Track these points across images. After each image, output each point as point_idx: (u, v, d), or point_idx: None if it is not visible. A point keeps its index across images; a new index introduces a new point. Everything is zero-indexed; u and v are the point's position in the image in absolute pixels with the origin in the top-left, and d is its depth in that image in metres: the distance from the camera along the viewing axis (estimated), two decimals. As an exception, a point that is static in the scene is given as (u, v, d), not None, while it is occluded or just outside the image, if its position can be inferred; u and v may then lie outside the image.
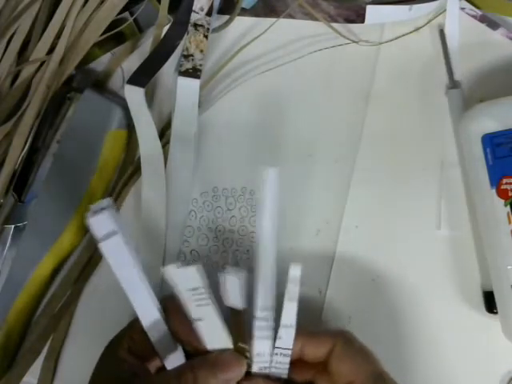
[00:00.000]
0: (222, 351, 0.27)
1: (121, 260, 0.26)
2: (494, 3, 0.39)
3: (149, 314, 0.27)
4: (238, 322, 0.27)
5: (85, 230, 0.37)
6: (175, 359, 0.27)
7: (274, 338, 0.28)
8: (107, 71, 0.40)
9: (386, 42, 0.39)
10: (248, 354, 0.27)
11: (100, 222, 0.25)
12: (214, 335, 0.27)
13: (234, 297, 0.26)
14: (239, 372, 0.26)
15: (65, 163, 0.37)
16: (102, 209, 0.25)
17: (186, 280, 0.25)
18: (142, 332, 0.27)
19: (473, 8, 0.39)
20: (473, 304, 0.35)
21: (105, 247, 0.25)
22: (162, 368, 0.28)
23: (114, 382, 0.26)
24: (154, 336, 0.27)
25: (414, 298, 0.35)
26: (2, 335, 0.35)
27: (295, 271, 0.27)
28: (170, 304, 0.27)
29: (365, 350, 0.28)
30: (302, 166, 0.37)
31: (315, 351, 0.27)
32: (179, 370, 0.26)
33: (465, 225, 0.36)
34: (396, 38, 0.39)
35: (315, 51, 0.38)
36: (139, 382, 0.26)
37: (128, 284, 0.26)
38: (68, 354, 0.36)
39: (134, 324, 0.28)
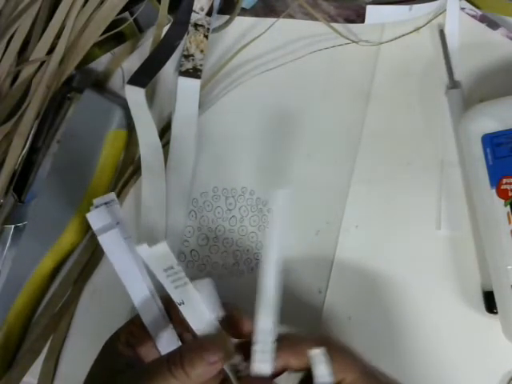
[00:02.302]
0: (211, 334, 0.27)
1: (118, 252, 0.26)
2: (494, 3, 0.39)
3: (143, 300, 0.27)
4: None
5: (85, 230, 0.37)
6: (169, 344, 0.28)
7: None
8: (107, 71, 0.40)
9: (386, 41, 0.39)
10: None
11: (97, 216, 0.26)
12: (199, 317, 0.27)
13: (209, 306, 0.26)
14: (225, 354, 0.26)
15: (65, 163, 0.37)
16: (105, 203, 0.26)
17: (160, 259, 0.25)
18: (141, 325, 0.28)
19: (473, 8, 0.39)
20: (473, 304, 0.35)
21: (102, 240, 0.26)
22: None
23: (109, 373, 0.26)
24: (148, 321, 0.28)
25: (414, 297, 0.35)
26: (2, 335, 0.35)
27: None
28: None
29: (348, 350, 0.28)
30: (302, 166, 0.37)
31: (299, 363, 0.28)
32: (168, 355, 0.26)
33: (465, 225, 0.36)
34: (396, 38, 0.39)
35: (315, 51, 0.38)
36: (132, 370, 0.26)
37: (124, 274, 0.27)
38: (68, 353, 0.36)
39: (133, 319, 0.29)
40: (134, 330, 0.28)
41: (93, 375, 0.27)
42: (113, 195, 0.27)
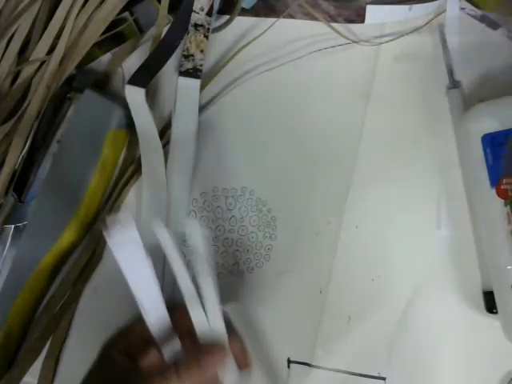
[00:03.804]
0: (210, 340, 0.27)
1: (135, 267, 0.27)
2: (494, 3, 0.39)
3: (156, 317, 0.27)
4: None
5: (85, 230, 0.37)
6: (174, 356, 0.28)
7: None
8: (107, 71, 0.40)
9: (386, 41, 0.39)
10: None
11: (117, 238, 0.26)
12: (211, 312, 0.27)
13: None
14: (222, 359, 0.26)
15: (65, 163, 0.37)
16: (120, 222, 0.26)
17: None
18: (141, 337, 0.27)
19: (473, 8, 0.39)
20: (473, 304, 0.35)
21: (118, 257, 0.26)
22: None
23: (104, 381, 0.26)
24: (158, 337, 0.27)
25: (414, 297, 0.35)
26: (2, 335, 0.35)
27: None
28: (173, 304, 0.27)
29: None
30: (302, 167, 0.37)
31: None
32: (163, 366, 0.26)
33: (465, 225, 0.36)
34: (396, 38, 0.39)
35: (315, 51, 0.38)
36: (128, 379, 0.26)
37: (140, 292, 0.27)
38: (68, 354, 0.36)
39: (132, 327, 0.28)
40: (133, 342, 0.28)
41: (87, 381, 0.27)
42: (130, 214, 0.27)
